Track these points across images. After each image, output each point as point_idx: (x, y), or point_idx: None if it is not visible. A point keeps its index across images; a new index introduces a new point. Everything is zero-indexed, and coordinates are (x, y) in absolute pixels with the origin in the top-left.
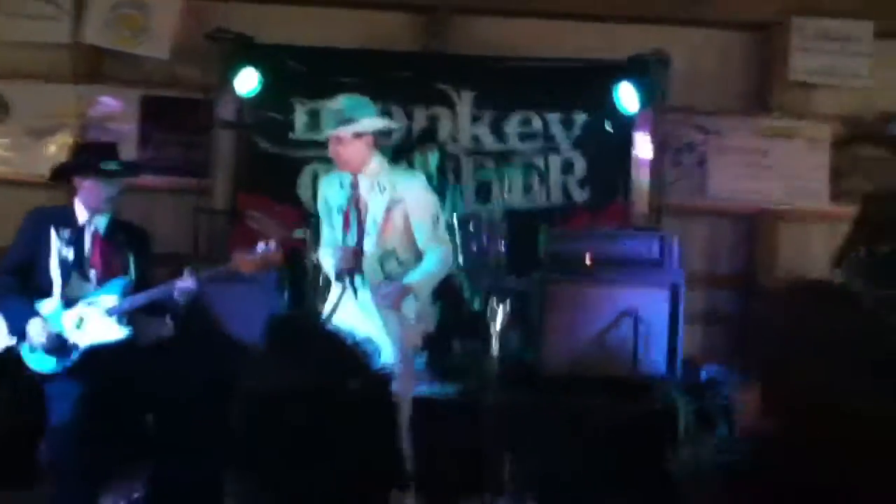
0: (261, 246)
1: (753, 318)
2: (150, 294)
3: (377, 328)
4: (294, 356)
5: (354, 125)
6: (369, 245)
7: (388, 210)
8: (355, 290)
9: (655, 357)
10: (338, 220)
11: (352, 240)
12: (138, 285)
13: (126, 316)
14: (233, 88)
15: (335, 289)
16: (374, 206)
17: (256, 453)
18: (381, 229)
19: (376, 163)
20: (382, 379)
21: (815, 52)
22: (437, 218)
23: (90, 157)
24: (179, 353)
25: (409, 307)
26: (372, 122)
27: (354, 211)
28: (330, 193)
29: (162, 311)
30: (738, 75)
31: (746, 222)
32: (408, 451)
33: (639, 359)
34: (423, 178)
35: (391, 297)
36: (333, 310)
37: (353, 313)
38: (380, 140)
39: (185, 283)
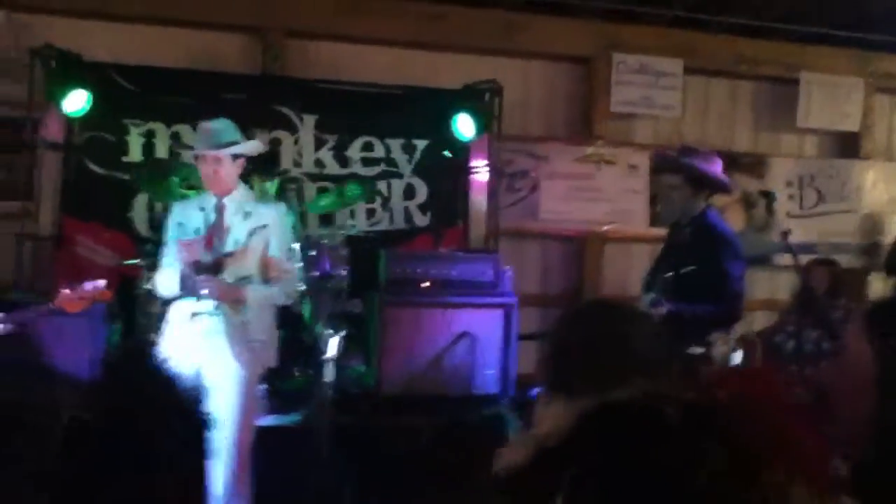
0: (88, 284)
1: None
2: None
3: (222, 350)
4: (124, 389)
5: (235, 148)
6: (228, 267)
7: (251, 235)
8: (200, 297)
9: (489, 376)
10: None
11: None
12: None
13: None
14: (59, 107)
15: (178, 308)
16: (237, 230)
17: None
18: (241, 253)
19: (241, 188)
20: (199, 417)
21: (633, 85)
22: (292, 249)
23: None
24: None
25: (261, 331)
26: (251, 146)
27: (218, 232)
28: (185, 218)
29: None
30: (565, 105)
31: (575, 244)
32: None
33: (474, 378)
34: (284, 208)
35: (215, 287)
36: (175, 331)
37: (195, 335)
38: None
39: None
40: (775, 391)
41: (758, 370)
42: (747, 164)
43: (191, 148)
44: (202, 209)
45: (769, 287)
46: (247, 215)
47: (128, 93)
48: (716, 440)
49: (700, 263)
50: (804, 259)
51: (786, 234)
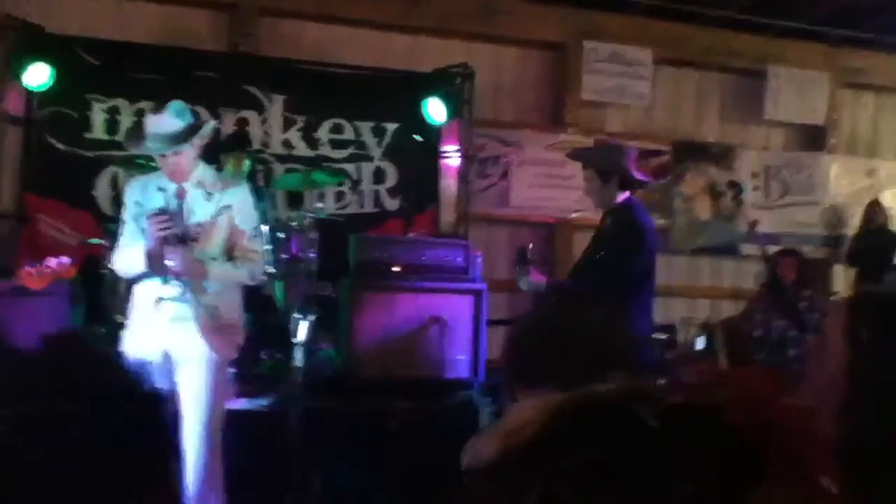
0: (51, 260)
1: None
2: None
3: (191, 335)
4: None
5: (193, 140)
6: (196, 244)
7: (215, 217)
8: (166, 277)
9: (460, 361)
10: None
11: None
12: None
13: None
14: (20, 81)
15: (144, 292)
16: (201, 212)
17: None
18: (205, 235)
19: (201, 169)
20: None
21: (604, 74)
22: (257, 229)
23: None
24: None
25: (229, 312)
26: (202, 136)
27: (179, 215)
28: (145, 197)
29: None
30: (537, 91)
31: (545, 231)
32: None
33: (444, 362)
34: (248, 187)
35: (181, 257)
36: (141, 316)
37: (163, 320)
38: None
39: None
40: (778, 393)
41: (760, 369)
42: (716, 154)
43: (142, 146)
44: (161, 189)
45: (736, 276)
46: (209, 196)
47: (91, 68)
48: (705, 449)
49: (607, 250)
50: (770, 249)
51: (753, 224)
